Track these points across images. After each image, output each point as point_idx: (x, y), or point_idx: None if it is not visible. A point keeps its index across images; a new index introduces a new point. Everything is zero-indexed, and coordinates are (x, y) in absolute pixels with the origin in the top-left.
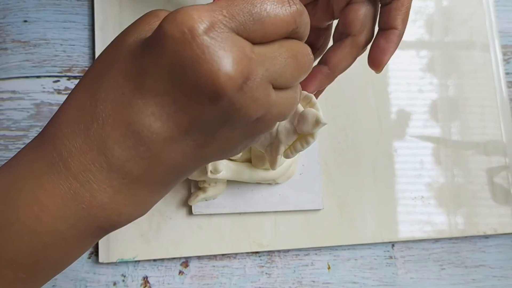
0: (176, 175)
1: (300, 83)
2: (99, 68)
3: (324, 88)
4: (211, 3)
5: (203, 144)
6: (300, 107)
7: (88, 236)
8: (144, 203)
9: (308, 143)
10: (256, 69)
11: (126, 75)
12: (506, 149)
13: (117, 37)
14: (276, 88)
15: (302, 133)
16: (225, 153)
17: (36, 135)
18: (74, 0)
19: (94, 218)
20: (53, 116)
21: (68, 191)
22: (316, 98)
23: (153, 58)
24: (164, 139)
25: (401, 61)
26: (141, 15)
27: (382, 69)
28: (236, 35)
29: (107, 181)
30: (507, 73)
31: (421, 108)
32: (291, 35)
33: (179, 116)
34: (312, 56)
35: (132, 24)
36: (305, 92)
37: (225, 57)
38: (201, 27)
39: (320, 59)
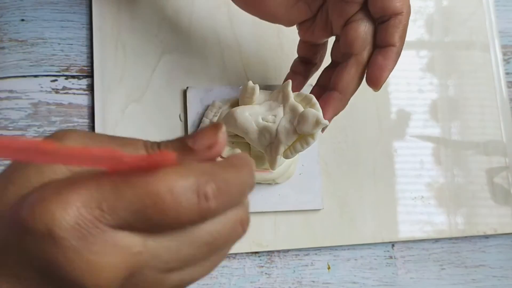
0: None
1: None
2: None
3: (340, 111)
4: (94, 183)
5: None
6: (300, 108)
7: None
8: None
9: (308, 144)
10: (146, 265)
11: None
12: (506, 149)
13: (3, 172)
14: (181, 270)
15: (302, 133)
16: None
17: (34, 134)
18: None
19: None
20: None
21: None
22: (330, 122)
23: (15, 240)
24: None
25: (401, 61)
26: (139, 14)
27: (380, 87)
28: (118, 232)
29: None
30: (507, 73)
31: (421, 108)
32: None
33: None
34: (244, 228)
35: (18, 163)
36: (304, 93)
37: (96, 264)
38: (66, 225)
39: (330, 84)
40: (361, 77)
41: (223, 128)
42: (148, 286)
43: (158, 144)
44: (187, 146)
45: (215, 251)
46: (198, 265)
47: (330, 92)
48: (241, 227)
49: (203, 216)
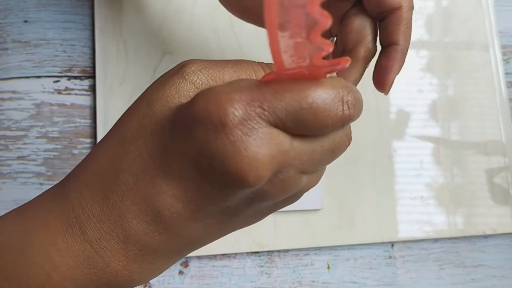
0: (196, 246)
1: None
2: (124, 134)
3: None
4: (256, 85)
5: (226, 221)
6: None
7: None
8: (158, 270)
9: None
10: (291, 163)
11: (151, 151)
12: (505, 149)
13: (142, 97)
14: (310, 173)
15: None
16: (248, 224)
17: (36, 135)
18: (74, 0)
19: (105, 282)
20: (75, 169)
21: (81, 255)
22: None
23: (180, 141)
24: (185, 218)
25: None
26: (140, 16)
27: (388, 90)
28: (274, 129)
29: (123, 251)
30: (506, 73)
31: (420, 108)
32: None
33: (203, 201)
34: (349, 141)
35: (156, 85)
36: None
37: (257, 155)
38: (235, 119)
39: None
40: (357, 75)
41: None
42: (288, 183)
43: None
44: None
45: (332, 159)
46: (318, 172)
47: None
48: (348, 141)
49: (343, 122)
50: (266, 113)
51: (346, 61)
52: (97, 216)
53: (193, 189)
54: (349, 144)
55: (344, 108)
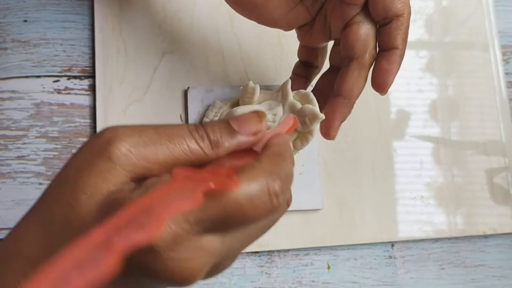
0: None
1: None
2: (49, 225)
3: (347, 116)
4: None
5: None
6: (299, 105)
7: None
8: None
9: (307, 141)
10: (227, 254)
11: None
12: (505, 149)
13: (64, 181)
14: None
15: (301, 130)
16: None
17: (36, 135)
18: (74, 0)
19: None
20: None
21: None
22: (338, 129)
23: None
24: None
25: None
26: (140, 15)
27: (387, 91)
28: (203, 236)
29: None
30: (506, 73)
31: (420, 108)
32: None
33: None
34: (290, 203)
35: (81, 164)
36: (303, 91)
37: (190, 269)
38: (165, 240)
39: (333, 91)
40: (365, 80)
41: (265, 117)
42: (230, 262)
43: (204, 127)
44: (231, 128)
45: (267, 230)
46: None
47: (335, 98)
48: (287, 206)
49: (273, 211)
50: (194, 227)
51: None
52: None
53: None
54: (288, 208)
55: (272, 198)
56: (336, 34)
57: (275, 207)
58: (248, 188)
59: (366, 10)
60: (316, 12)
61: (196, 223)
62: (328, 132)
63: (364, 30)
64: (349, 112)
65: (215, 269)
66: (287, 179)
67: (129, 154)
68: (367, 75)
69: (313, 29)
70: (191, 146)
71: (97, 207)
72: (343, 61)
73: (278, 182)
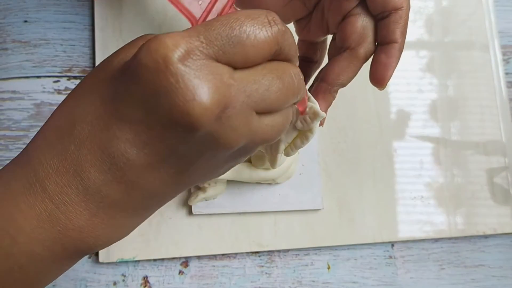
0: (156, 200)
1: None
2: (81, 89)
3: (331, 103)
4: (188, 28)
5: (183, 171)
6: None
7: (65, 258)
8: (123, 227)
9: (308, 139)
10: (235, 96)
11: (103, 98)
12: (505, 149)
13: (105, 59)
14: (260, 113)
15: (301, 129)
16: (207, 177)
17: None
18: (74, 1)
19: (70, 240)
20: (35, 134)
21: (43, 213)
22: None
23: (128, 85)
24: (141, 165)
25: (401, 61)
26: (140, 15)
27: (385, 85)
28: (214, 62)
29: (83, 204)
30: (506, 73)
31: (420, 108)
32: (276, 57)
33: (155, 144)
34: (301, 76)
35: (121, 47)
36: None
37: (200, 86)
38: (176, 55)
39: (319, 75)
40: (354, 72)
41: None
42: (237, 120)
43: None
44: None
45: (282, 95)
46: (271, 115)
47: (318, 83)
48: (296, 79)
49: (276, 38)
50: (203, 45)
51: None
52: (56, 170)
53: (145, 132)
54: (300, 77)
55: (271, 22)
56: (333, 28)
57: (275, 31)
58: (247, 12)
59: (364, 4)
60: (313, 5)
61: (206, 41)
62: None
63: (361, 23)
64: (331, 99)
65: (232, 118)
66: (284, 24)
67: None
68: (358, 68)
69: (311, 23)
70: None
71: (123, 66)
72: (338, 52)
73: (274, 15)
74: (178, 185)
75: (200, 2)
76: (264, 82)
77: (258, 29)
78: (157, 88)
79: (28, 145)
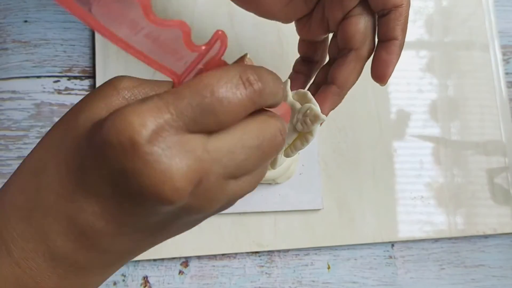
0: (129, 257)
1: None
2: (47, 147)
3: (336, 106)
4: (156, 97)
5: (156, 234)
6: (298, 105)
7: None
8: (94, 283)
9: (307, 141)
10: (210, 169)
11: (70, 167)
12: (505, 149)
13: (73, 107)
14: (237, 177)
15: (301, 131)
16: (183, 231)
17: (36, 135)
18: None
19: None
20: (4, 185)
21: (11, 276)
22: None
23: (94, 158)
24: (111, 235)
25: (401, 61)
26: None
27: (386, 82)
28: (185, 134)
29: (51, 269)
30: (506, 73)
31: (420, 108)
32: (257, 108)
33: (125, 218)
34: (284, 134)
35: (91, 93)
36: (302, 90)
37: (170, 167)
38: (143, 136)
39: (327, 78)
40: (360, 72)
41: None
42: (213, 193)
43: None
44: None
45: (261, 159)
46: (249, 175)
47: (327, 86)
48: (281, 136)
49: (253, 100)
50: (174, 117)
51: (223, 37)
52: (21, 235)
53: (113, 207)
54: (282, 140)
55: (245, 83)
56: (334, 27)
57: (251, 93)
58: (220, 74)
59: (364, 2)
60: (314, 4)
61: (176, 112)
62: None
63: (363, 23)
64: (340, 101)
65: (207, 191)
66: (268, 80)
67: (133, 89)
68: (362, 68)
69: (312, 22)
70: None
71: (89, 132)
72: (340, 52)
73: (253, 73)
74: (151, 243)
75: (184, 62)
76: (242, 152)
77: (231, 93)
78: (124, 169)
79: None
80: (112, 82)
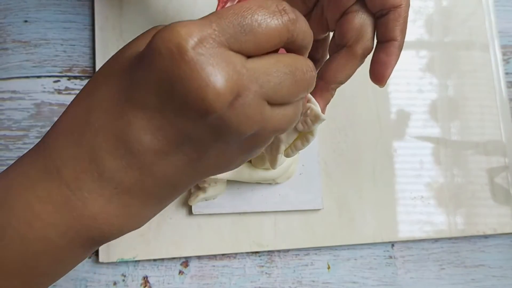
0: (170, 189)
1: None
2: (96, 79)
3: (328, 102)
4: (201, 18)
5: (197, 158)
6: None
7: (79, 246)
8: (137, 216)
9: (308, 141)
10: (248, 85)
11: (119, 86)
12: (505, 149)
13: (118, 50)
14: (272, 104)
15: (301, 131)
16: (222, 168)
17: (36, 135)
18: (75, 0)
19: (85, 227)
20: (52, 125)
21: (60, 199)
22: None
23: (142, 72)
24: (155, 152)
25: (401, 61)
26: (141, 15)
27: (385, 83)
28: (226, 50)
29: (99, 190)
30: (506, 73)
31: (420, 108)
32: (289, 46)
33: (169, 130)
34: (314, 72)
35: (134, 39)
36: None
37: (213, 73)
38: (189, 43)
39: (317, 73)
40: (351, 70)
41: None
42: (250, 109)
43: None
44: None
45: (294, 89)
46: (283, 107)
47: (316, 81)
48: (311, 72)
49: (287, 27)
50: (216, 32)
51: None
52: (73, 156)
53: (158, 118)
54: (313, 77)
55: (281, 11)
56: (333, 25)
57: (286, 20)
58: (259, 1)
59: (362, 1)
60: (313, 4)
61: (218, 29)
62: None
63: (359, 19)
64: (329, 97)
65: (244, 105)
66: (297, 12)
67: None
68: (356, 66)
69: (311, 21)
70: None
71: (138, 54)
72: (337, 49)
73: (286, 5)
74: (191, 174)
75: None
76: (277, 75)
77: (269, 18)
78: (171, 75)
79: (46, 134)
80: (153, 28)
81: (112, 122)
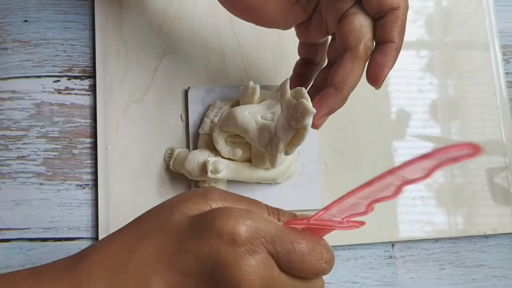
0: None
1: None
2: (142, 230)
3: (337, 109)
4: (265, 221)
5: None
6: (294, 101)
7: None
8: None
9: (303, 137)
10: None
11: (165, 247)
12: (506, 149)
13: (165, 205)
14: None
15: (295, 127)
16: None
17: (36, 135)
18: (75, 0)
19: None
20: (90, 247)
21: None
22: (323, 117)
23: (194, 243)
24: None
25: (401, 61)
26: (141, 15)
27: (381, 85)
28: (270, 258)
29: None
30: (507, 73)
31: (421, 108)
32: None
33: None
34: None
35: (180, 198)
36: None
37: (253, 272)
38: (244, 238)
39: (319, 78)
40: (359, 73)
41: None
42: None
43: (277, 210)
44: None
45: None
46: None
47: (326, 88)
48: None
49: (318, 273)
50: (267, 243)
51: (361, 225)
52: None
53: (192, 285)
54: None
55: (323, 263)
56: (332, 29)
57: (320, 269)
58: (314, 246)
59: (360, 3)
60: (312, 9)
61: (271, 241)
62: (313, 121)
63: (358, 21)
64: (339, 103)
65: None
66: (333, 258)
67: (219, 201)
68: (363, 68)
69: (311, 26)
70: (263, 212)
71: (188, 221)
72: (339, 54)
73: (330, 254)
74: None
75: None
76: None
77: (311, 262)
78: (219, 257)
79: (80, 254)
80: (203, 193)
81: (148, 275)
